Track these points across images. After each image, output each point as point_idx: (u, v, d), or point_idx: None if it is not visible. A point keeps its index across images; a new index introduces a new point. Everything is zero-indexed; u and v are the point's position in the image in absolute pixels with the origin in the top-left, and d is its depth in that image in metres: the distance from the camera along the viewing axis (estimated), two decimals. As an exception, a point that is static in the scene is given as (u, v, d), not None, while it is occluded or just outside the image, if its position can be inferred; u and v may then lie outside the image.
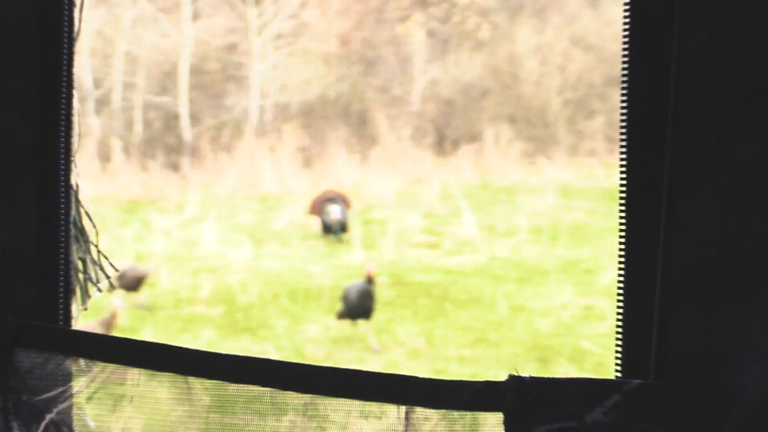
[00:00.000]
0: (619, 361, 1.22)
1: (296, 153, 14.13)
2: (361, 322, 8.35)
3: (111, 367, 1.43)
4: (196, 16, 15.38)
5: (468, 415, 1.23)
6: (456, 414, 1.24)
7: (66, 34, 1.52)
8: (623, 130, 1.21)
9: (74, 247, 1.59)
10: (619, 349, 1.22)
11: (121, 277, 8.63)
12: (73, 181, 1.58)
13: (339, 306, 8.55)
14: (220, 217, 12.13)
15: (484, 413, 1.22)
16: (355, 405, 1.28)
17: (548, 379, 1.19)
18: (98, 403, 1.45)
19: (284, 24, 15.22)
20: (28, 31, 1.50)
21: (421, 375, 1.26)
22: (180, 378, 1.38)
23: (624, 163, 1.21)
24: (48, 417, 1.45)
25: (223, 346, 7.92)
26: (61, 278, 1.55)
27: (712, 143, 1.14)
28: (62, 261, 1.55)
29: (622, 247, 1.22)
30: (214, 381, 1.36)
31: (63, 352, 1.45)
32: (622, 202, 1.22)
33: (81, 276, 1.61)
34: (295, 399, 1.31)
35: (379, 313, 8.55)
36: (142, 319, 8.67)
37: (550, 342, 8.06)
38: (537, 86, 14.84)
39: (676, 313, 1.16)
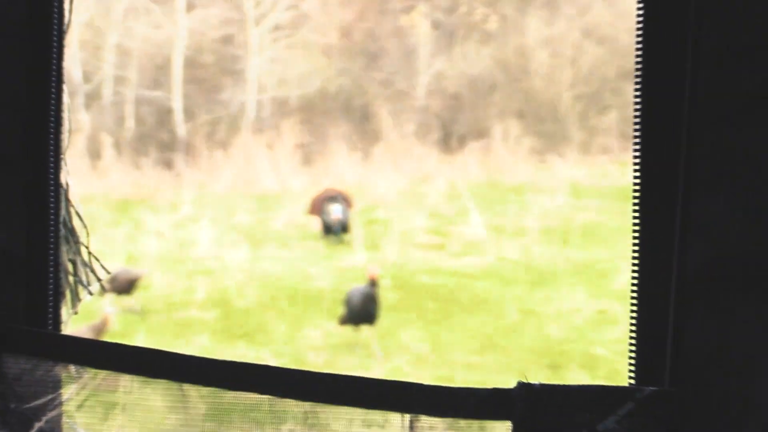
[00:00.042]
0: (632, 367, 1.23)
1: (295, 150, 14.12)
2: (364, 328, 8.35)
3: (102, 373, 1.43)
4: (190, 7, 15.38)
5: (475, 423, 1.23)
6: (462, 423, 1.24)
7: (56, 27, 1.52)
8: (637, 128, 1.21)
9: (64, 248, 1.60)
10: (633, 354, 1.23)
11: (113, 280, 8.63)
12: (62, 180, 1.58)
13: (340, 310, 8.55)
14: (216, 217, 12.13)
15: (492, 422, 1.23)
16: (357, 413, 1.28)
17: (559, 386, 1.19)
18: (89, 411, 1.46)
19: (283, 15, 15.22)
20: (16, 23, 1.50)
21: (426, 382, 1.26)
22: (174, 385, 1.38)
23: (638, 161, 1.21)
24: (37, 426, 1.46)
25: (218, 352, 7.92)
26: (51, 281, 1.55)
27: (728, 140, 1.14)
28: (51, 263, 1.55)
29: (636, 248, 1.22)
30: (210, 388, 1.36)
31: (52, 357, 1.45)
32: (636, 201, 1.22)
33: (71, 278, 1.62)
34: (294, 407, 1.32)
35: (382, 318, 8.55)
36: (134, 323, 8.68)
37: (561, 348, 8.06)
38: (547, 80, 14.82)
39: (692, 317, 1.17)
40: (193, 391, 1.37)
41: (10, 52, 1.50)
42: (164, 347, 1.45)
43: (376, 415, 1.27)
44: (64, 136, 1.57)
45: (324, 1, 15.49)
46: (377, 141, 14.25)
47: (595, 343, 8.09)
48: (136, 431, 1.42)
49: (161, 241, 11.31)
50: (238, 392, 1.34)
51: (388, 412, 1.27)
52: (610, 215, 11.49)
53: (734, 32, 1.13)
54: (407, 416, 1.26)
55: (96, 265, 1.65)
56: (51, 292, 1.55)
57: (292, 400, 1.31)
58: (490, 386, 1.22)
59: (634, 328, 1.23)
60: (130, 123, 14.82)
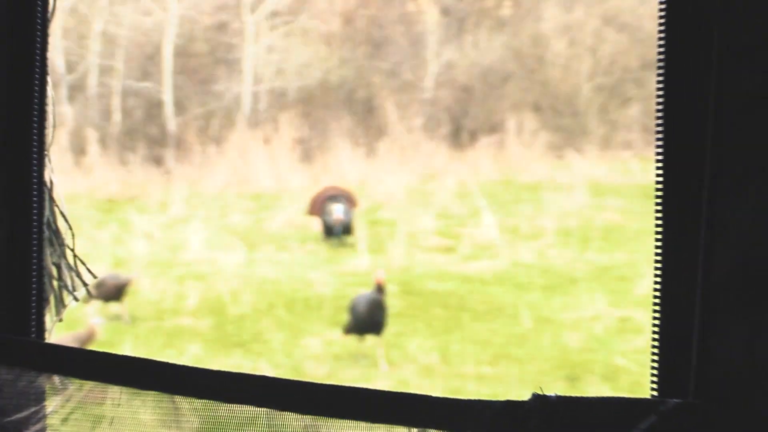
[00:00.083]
0: (655, 378, 1.23)
1: (294, 145, 14.13)
2: (370, 337, 8.33)
3: (89, 384, 1.44)
4: (181, -8, 15.40)
5: (486, 438, 1.24)
6: (472, 437, 1.24)
7: (39, 14, 1.53)
8: (659, 122, 1.21)
9: (48, 251, 1.60)
10: (656, 364, 1.23)
11: (100, 285, 8.65)
12: (47, 177, 1.59)
13: (342, 317, 8.55)
14: (209, 218, 12.14)
15: (505, 437, 1.23)
16: (361, 427, 1.29)
17: (576, 398, 1.20)
18: (75, 424, 1.46)
19: (281, 0, 15.24)
20: (-3, 10, 1.51)
21: (434, 394, 1.27)
22: (166, 397, 1.39)
23: (661, 158, 1.22)
24: (19, 440, 1.47)
25: (212, 362, 7.93)
26: (34, 286, 1.56)
27: (757, 136, 1.14)
28: (35, 266, 1.56)
29: (659, 251, 1.23)
30: (204, 400, 1.36)
31: (36, 367, 1.45)
32: (659, 201, 1.22)
33: (55, 283, 1.62)
34: (294, 421, 1.32)
35: (387, 326, 8.55)
36: (122, 332, 8.69)
37: (580, 358, 8.06)
38: (565, 70, 14.82)
39: (718, 326, 1.17)
40: (186, 404, 1.38)
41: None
42: (154, 357, 1.46)
43: (382, 430, 1.28)
44: (49, 131, 1.58)
45: (325, -15, 15.49)
46: (382, 136, 14.26)
47: (616, 353, 8.09)
48: (125, 446, 1.42)
49: (150, 243, 11.33)
50: (234, 405, 1.35)
51: (394, 426, 1.27)
52: (632, 216, 11.49)
53: (766, 20, 1.13)
54: (414, 430, 1.27)
55: (82, 269, 1.66)
56: (34, 298, 1.56)
57: (291, 414, 1.32)
58: (502, 399, 1.23)
59: (657, 336, 1.23)
60: (116, 116, 14.84)
